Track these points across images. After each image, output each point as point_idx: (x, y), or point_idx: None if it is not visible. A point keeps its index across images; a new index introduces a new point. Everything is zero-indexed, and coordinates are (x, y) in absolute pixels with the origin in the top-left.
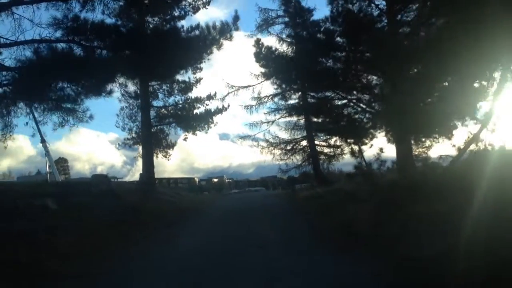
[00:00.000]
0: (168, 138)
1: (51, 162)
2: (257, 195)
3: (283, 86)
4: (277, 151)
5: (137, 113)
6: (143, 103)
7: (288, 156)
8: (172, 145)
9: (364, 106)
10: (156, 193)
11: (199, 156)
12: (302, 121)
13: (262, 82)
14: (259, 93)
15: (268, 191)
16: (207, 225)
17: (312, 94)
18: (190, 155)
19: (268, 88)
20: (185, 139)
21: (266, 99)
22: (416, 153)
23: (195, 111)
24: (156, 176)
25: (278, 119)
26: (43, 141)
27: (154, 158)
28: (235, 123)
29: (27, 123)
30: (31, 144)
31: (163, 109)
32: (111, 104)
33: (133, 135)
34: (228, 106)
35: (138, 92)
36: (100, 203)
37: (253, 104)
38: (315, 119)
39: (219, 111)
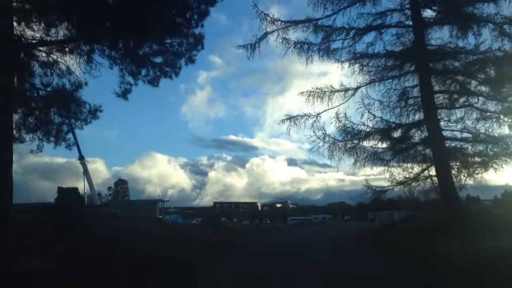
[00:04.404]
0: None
1: (89, 181)
2: (317, 237)
3: None
4: (362, 151)
5: None
6: None
7: (390, 156)
8: (94, 110)
9: None
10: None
11: (266, 181)
12: (415, 91)
13: (331, 14)
14: (326, 30)
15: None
16: None
17: None
18: (258, 180)
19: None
20: (123, 95)
21: (344, 37)
22: None
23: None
24: (223, 200)
25: (368, 84)
26: (81, 158)
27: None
28: (302, 148)
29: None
30: (106, 168)
31: None
32: (179, 129)
33: None
34: None
35: None
36: None
37: (314, 43)
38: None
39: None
